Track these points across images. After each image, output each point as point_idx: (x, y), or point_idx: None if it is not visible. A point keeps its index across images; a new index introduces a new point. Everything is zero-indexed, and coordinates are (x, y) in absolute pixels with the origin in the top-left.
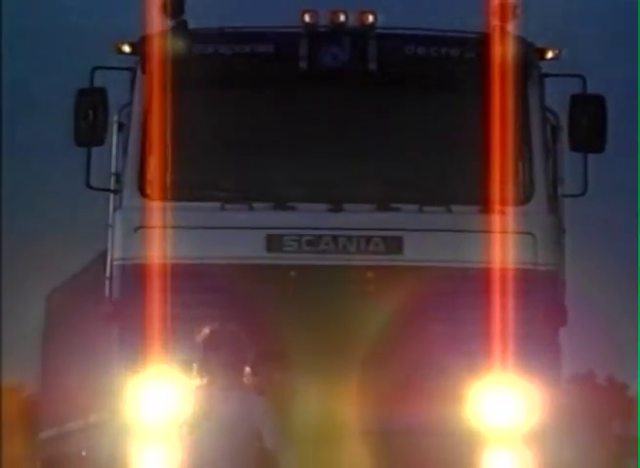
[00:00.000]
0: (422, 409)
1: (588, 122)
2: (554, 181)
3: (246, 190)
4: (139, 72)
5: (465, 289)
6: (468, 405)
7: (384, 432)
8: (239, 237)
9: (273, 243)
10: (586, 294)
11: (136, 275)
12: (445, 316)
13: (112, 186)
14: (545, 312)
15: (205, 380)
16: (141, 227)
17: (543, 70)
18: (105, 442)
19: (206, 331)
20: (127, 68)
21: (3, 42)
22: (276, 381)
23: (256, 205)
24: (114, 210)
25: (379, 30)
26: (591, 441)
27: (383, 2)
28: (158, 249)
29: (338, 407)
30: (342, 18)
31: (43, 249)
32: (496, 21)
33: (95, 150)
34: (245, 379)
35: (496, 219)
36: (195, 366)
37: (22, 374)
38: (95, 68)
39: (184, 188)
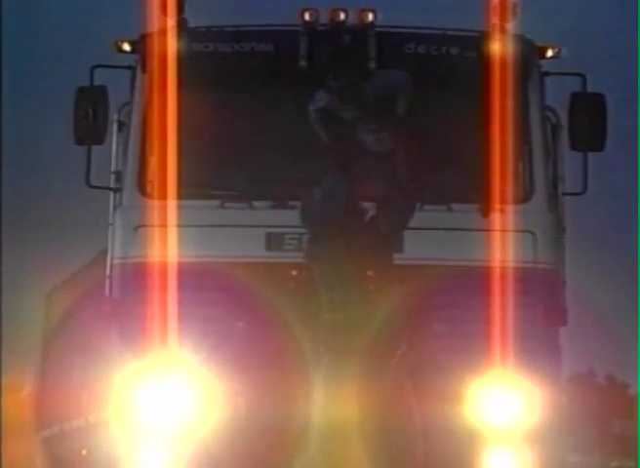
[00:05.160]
0: (421, 407)
1: (588, 120)
2: (554, 180)
3: (246, 189)
4: (139, 71)
5: (466, 287)
6: (468, 404)
7: (384, 431)
8: (239, 235)
9: (273, 241)
10: (586, 293)
11: (136, 274)
12: (445, 315)
13: (112, 185)
14: (545, 311)
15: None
16: (142, 226)
17: (544, 69)
18: (106, 441)
19: None
20: (127, 67)
21: (3, 42)
22: (276, 380)
23: (256, 203)
24: (114, 208)
25: (378, 29)
26: (591, 440)
27: (383, 0)
28: (158, 247)
29: (338, 405)
30: (342, 16)
31: (43, 248)
32: (496, 20)
33: (95, 149)
34: None
35: (496, 218)
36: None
37: (22, 374)
38: (95, 67)
39: (184, 187)
